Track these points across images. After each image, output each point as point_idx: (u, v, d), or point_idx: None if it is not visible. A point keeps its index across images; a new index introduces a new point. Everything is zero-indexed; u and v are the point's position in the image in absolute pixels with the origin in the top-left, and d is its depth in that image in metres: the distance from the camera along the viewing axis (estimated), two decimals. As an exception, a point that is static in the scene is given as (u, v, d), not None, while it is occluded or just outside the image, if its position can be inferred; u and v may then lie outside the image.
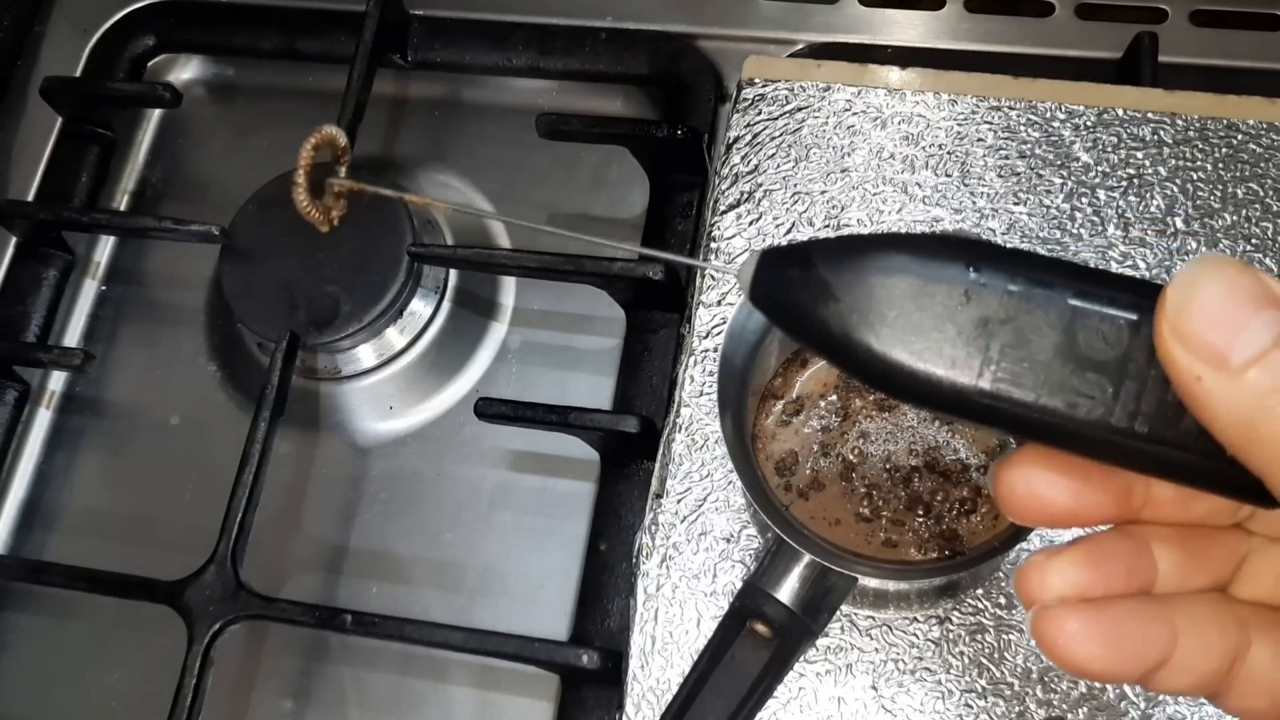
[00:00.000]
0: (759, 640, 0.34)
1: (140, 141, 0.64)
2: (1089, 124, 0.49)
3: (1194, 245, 0.47)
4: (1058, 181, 0.48)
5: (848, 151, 0.50)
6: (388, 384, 0.56)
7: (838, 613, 0.36)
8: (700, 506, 0.45)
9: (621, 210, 0.58)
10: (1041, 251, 0.47)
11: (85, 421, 0.58)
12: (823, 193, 0.49)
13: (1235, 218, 0.47)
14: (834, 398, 0.41)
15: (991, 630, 0.42)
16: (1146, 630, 0.25)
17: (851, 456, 0.40)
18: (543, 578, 0.52)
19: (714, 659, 0.34)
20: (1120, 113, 0.49)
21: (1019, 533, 0.35)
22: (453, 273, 0.57)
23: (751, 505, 0.43)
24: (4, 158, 0.63)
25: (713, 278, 0.48)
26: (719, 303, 0.48)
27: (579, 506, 0.52)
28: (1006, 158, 0.49)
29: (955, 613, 0.42)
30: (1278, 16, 0.56)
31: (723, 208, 0.49)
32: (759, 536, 0.44)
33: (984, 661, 0.42)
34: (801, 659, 0.38)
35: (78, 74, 0.64)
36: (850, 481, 0.40)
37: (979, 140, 0.49)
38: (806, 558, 0.35)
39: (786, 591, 0.35)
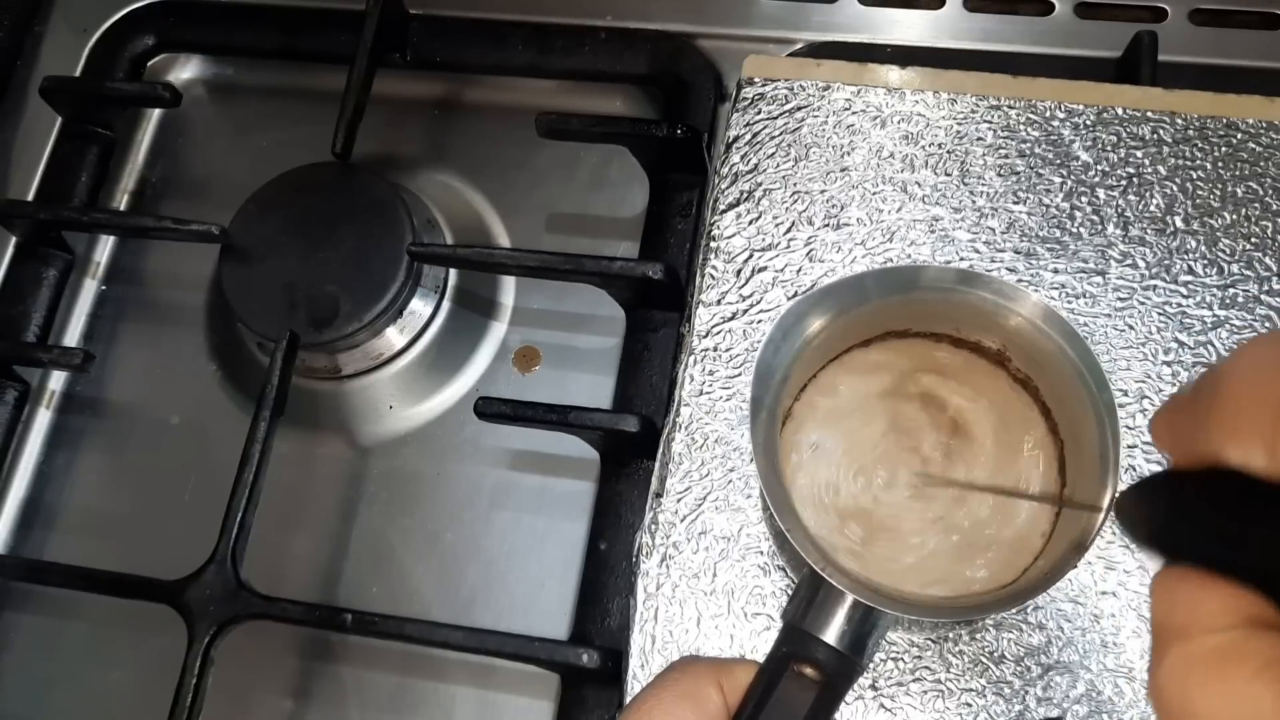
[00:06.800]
0: (805, 682, 0.34)
1: (140, 141, 0.64)
2: (1088, 123, 0.49)
3: (1193, 244, 0.47)
4: (1057, 180, 0.48)
5: (847, 150, 0.50)
6: (388, 384, 0.56)
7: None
8: (700, 506, 0.45)
9: (621, 210, 0.58)
10: (1042, 251, 0.47)
11: (85, 421, 0.58)
12: (822, 192, 0.49)
13: (1235, 216, 0.47)
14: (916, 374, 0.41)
15: (991, 630, 0.42)
16: None
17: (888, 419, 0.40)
18: (543, 577, 0.52)
19: (760, 703, 0.34)
20: (1120, 112, 0.49)
21: (1068, 561, 0.34)
22: (453, 272, 0.57)
23: (785, 546, 0.42)
24: (4, 158, 0.63)
25: (712, 277, 0.48)
26: (719, 302, 0.48)
27: (579, 506, 0.52)
28: (1006, 157, 0.49)
29: (955, 612, 0.42)
30: (1278, 16, 0.56)
31: (722, 207, 0.49)
32: (792, 572, 0.44)
33: (984, 661, 0.42)
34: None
35: (78, 74, 0.64)
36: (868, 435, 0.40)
37: (978, 139, 0.49)
38: (851, 598, 0.34)
39: (833, 633, 0.34)
